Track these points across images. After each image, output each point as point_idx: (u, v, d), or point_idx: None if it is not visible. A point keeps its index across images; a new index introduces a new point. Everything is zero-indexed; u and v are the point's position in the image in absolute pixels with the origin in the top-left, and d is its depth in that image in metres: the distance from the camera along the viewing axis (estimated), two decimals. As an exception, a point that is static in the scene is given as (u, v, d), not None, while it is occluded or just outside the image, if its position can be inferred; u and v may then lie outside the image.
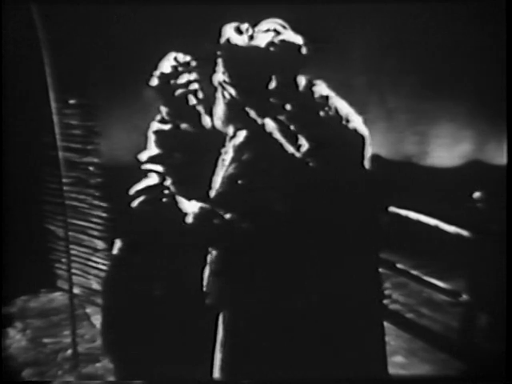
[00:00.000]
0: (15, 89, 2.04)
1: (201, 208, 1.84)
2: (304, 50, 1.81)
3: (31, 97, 2.07)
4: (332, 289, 1.86)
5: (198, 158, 1.93)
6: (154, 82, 1.94)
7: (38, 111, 2.09)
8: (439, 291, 2.17)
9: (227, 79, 1.82)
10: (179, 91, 1.94)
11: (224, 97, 1.84)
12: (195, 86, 1.95)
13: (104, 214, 2.13)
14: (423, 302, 2.22)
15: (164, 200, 1.90)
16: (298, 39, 1.81)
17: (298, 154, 1.78)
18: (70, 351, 2.19)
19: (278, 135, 1.81)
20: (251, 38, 1.80)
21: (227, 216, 1.81)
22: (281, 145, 1.81)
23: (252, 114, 1.82)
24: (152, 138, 1.96)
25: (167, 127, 1.96)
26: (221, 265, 1.85)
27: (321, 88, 1.85)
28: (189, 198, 1.87)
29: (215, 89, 1.85)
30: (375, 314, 1.95)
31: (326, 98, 1.84)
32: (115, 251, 1.97)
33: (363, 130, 1.84)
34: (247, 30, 1.81)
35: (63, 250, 2.22)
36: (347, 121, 1.84)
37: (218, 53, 1.82)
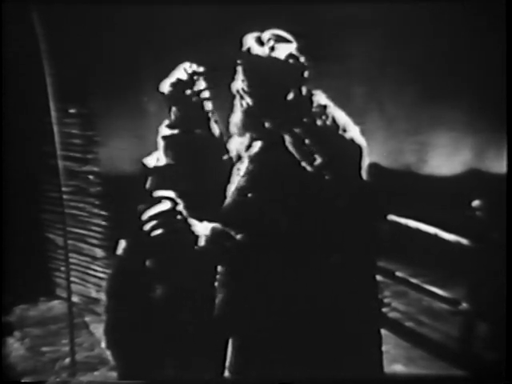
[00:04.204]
0: (15, 98, 2.04)
1: (212, 229, 1.85)
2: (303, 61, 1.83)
3: (31, 106, 2.07)
4: (331, 296, 1.87)
5: (206, 166, 1.94)
6: (166, 89, 1.94)
7: (38, 120, 2.10)
8: (439, 300, 2.17)
9: (245, 88, 1.82)
10: (189, 99, 1.95)
11: (241, 105, 1.84)
12: (206, 94, 1.96)
13: (103, 223, 2.14)
14: (423, 310, 2.21)
15: (176, 225, 1.91)
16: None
17: (309, 168, 1.78)
18: (68, 360, 2.18)
19: (291, 148, 1.81)
20: (272, 49, 1.80)
21: (238, 236, 1.83)
22: (293, 158, 1.81)
23: (267, 125, 1.83)
24: (161, 144, 1.97)
25: (175, 135, 1.97)
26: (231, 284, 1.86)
27: (319, 98, 1.86)
28: (200, 219, 1.89)
29: (233, 96, 1.85)
30: (374, 321, 1.96)
31: (324, 107, 1.85)
32: (119, 252, 1.97)
33: (360, 140, 1.85)
34: (269, 40, 1.81)
35: (62, 258, 2.22)
36: (344, 130, 1.84)
37: (239, 61, 1.82)
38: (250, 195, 1.83)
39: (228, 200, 1.86)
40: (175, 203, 1.91)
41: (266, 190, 1.83)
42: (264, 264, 1.85)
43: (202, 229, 1.88)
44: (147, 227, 1.89)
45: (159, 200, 1.92)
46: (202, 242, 1.87)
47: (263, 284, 1.86)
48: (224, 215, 1.85)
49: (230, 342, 1.90)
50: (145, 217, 1.90)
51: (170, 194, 1.92)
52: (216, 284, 1.89)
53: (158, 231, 1.89)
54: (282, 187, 1.82)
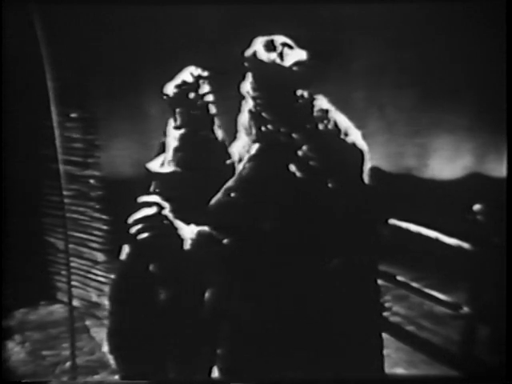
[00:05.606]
0: (16, 102, 2.04)
1: (198, 233, 1.86)
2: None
3: (32, 110, 2.07)
4: (333, 300, 1.87)
5: (208, 169, 1.94)
6: (170, 90, 1.95)
7: (39, 124, 2.10)
8: (440, 304, 2.17)
9: (250, 91, 1.84)
10: (193, 102, 1.95)
11: (248, 106, 1.86)
12: (210, 98, 1.96)
13: (104, 227, 2.14)
14: (424, 314, 2.21)
15: (162, 229, 1.92)
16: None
17: (299, 174, 1.79)
18: (68, 364, 2.18)
19: (285, 152, 1.82)
20: (281, 54, 1.81)
21: (225, 241, 1.83)
22: (285, 163, 1.82)
23: (263, 128, 1.84)
24: (171, 144, 1.97)
25: (178, 138, 1.97)
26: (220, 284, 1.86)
27: (321, 102, 1.87)
28: (188, 222, 1.89)
29: (237, 99, 1.87)
30: (375, 325, 1.96)
31: (326, 111, 1.85)
32: (123, 256, 1.97)
33: (362, 144, 1.86)
34: (280, 46, 1.82)
35: (63, 262, 2.22)
36: (346, 135, 1.85)
37: (246, 64, 1.84)
38: (233, 195, 1.84)
39: (214, 199, 1.87)
40: (161, 207, 1.92)
41: (253, 192, 1.84)
42: (261, 267, 1.85)
43: (189, 232, 1.89)
44: (133, 230, 1.91)
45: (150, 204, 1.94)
46: (187, 246, 1.88)
47: (264, 286, 1.86)
48: (207, 214, 1.86)
49: (230, 343, 1.90)
50: (130, 220, 1.92)
51: (155, 198, 1.93)
52: (210, 287, 1.89)
53: (144, 235, 1.90)
54: (271, 190, 1.83)
